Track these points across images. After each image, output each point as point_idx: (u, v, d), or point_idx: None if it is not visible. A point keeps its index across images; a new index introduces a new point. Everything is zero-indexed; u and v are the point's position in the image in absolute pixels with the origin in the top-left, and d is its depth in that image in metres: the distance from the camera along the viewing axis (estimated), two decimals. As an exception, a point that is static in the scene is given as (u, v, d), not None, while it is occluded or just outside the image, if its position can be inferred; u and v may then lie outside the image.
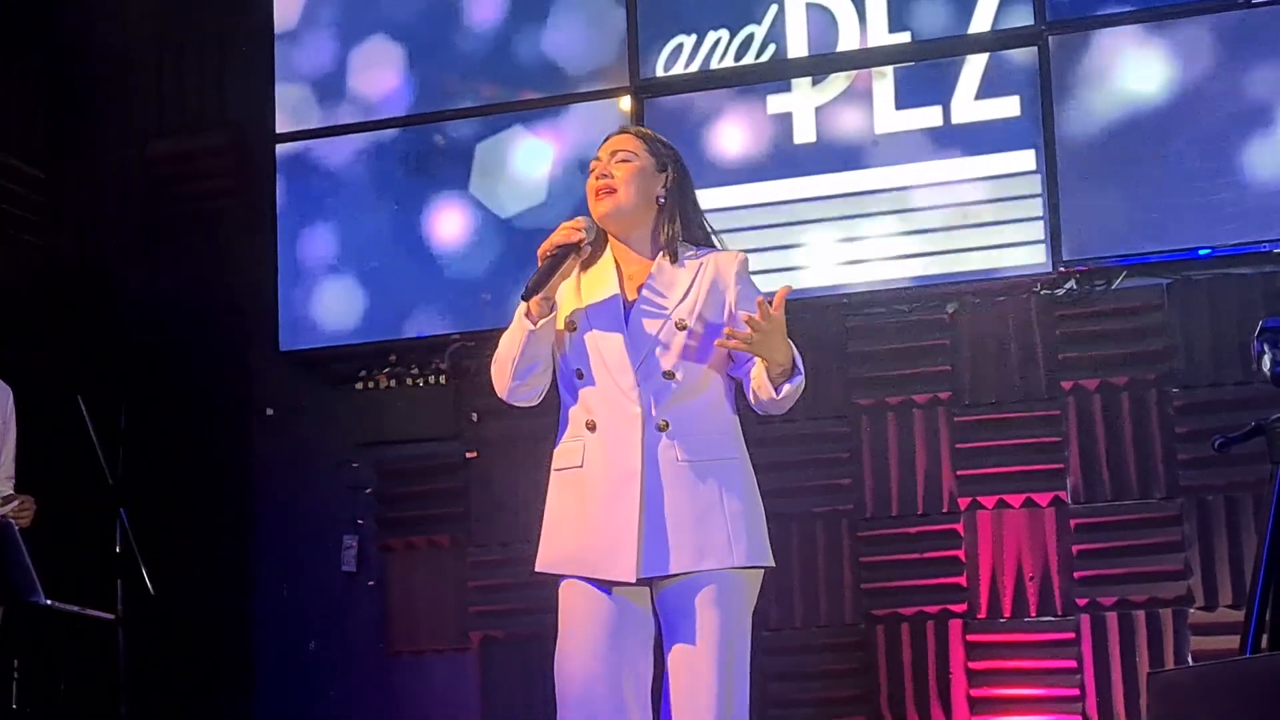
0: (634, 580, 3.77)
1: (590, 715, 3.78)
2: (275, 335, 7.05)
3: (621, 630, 3.83)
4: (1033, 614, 6.23)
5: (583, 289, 3.96)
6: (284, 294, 7.05)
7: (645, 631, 3.86)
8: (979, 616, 6.28)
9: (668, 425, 3.82)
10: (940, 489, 6.37)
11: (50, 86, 7.50)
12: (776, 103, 6.62)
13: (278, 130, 7.18)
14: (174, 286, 7.31)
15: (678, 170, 4.04)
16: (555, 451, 3.97)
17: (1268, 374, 3.88)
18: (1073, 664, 6.16)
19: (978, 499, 6.32)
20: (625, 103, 6.76)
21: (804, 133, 6.57)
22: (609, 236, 4.02)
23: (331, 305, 7.01)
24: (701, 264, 3.93)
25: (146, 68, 7.55)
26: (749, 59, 6.67)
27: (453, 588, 6.87)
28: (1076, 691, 6.14)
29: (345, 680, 6.98)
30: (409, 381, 6.96)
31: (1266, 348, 3.86)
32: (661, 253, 3.95)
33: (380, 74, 7.11)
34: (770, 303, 3.70)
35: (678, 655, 3.80)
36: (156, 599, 6.15)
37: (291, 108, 7.18)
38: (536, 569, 3.95)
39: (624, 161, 3.97)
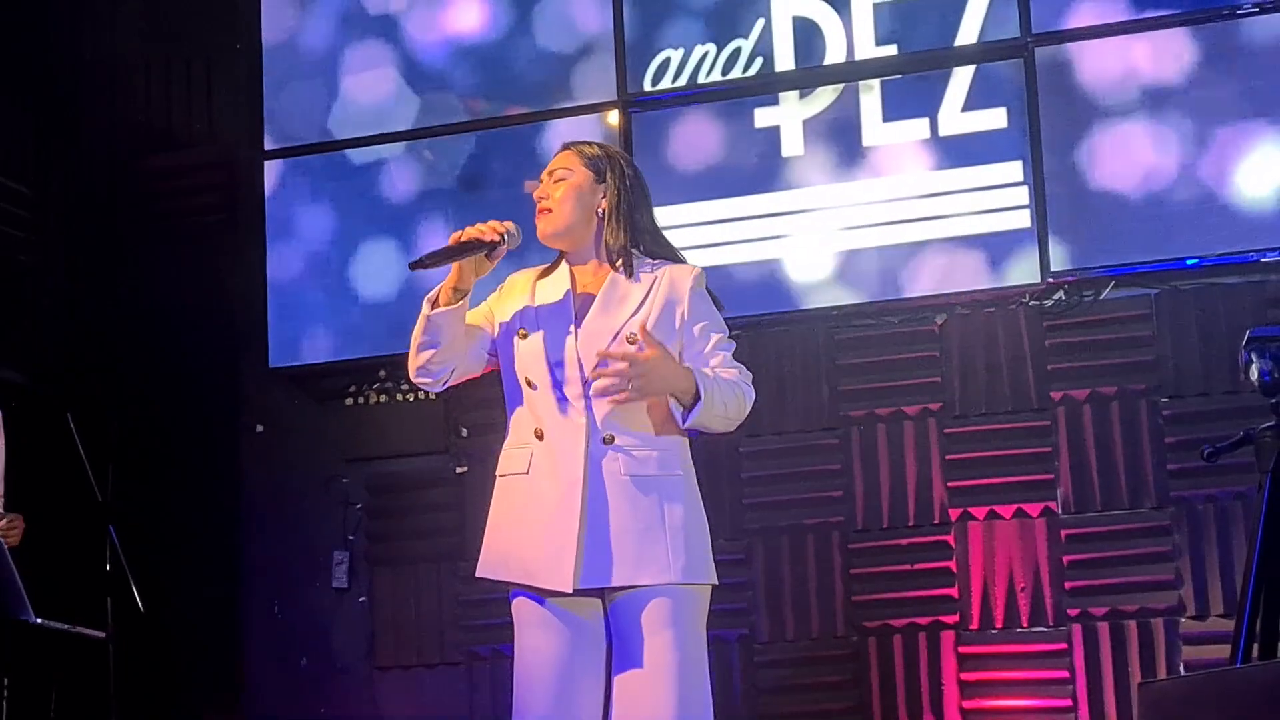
0: (570, 590, 3.79)
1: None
2: (265, 352, 7.04)
3: (575, 648, 3.84)
4: (1024, 625, 6.23)
5: (537, 298, 3.99)
6: (273, 310, 7.05)
7: (598, 648, 3.87)
8: (971, 628, 6.28)
9: (613, 439, 3.83)
10: (931, 500, 6.37)
11: (37, 102, 7.49)
12: (764, 116, 6.63)
13: (267, 146, 7.18)
14: (163, 303, 7.29)
15: (621, 180, 4.02)
16: (501, 457, 4.00)
17: (1256, 383, 3.88)
18: (1065, 674, 6.16)
19: (968, 510, 6.33)
20: (613, 117, 6.77)
21: (792, 146, 6.58)
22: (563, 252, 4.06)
23: (321, 321, 7.00)
24: (656, 278, 3.94)
25: (134, 84, 7.54)
26: (736, 73, 6.68)
27: (443, 603, 6.86)
28: (1069, 702, 6.14)
29: (335, 696, 6.96)
30: (399, 397, 6.96)
31: (1255, 357, 3.87)
32: (615, 265, 3.96)
33: (368, 91, 7.10)
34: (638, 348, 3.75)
35: (629, 677, 3.80)
36: (146, 616, 6.13)
37: (280, 124, 7.18)
38: (477, 574, 3.99)
39: (559, 180, 4.01)
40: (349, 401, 7.03)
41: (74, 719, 6.47)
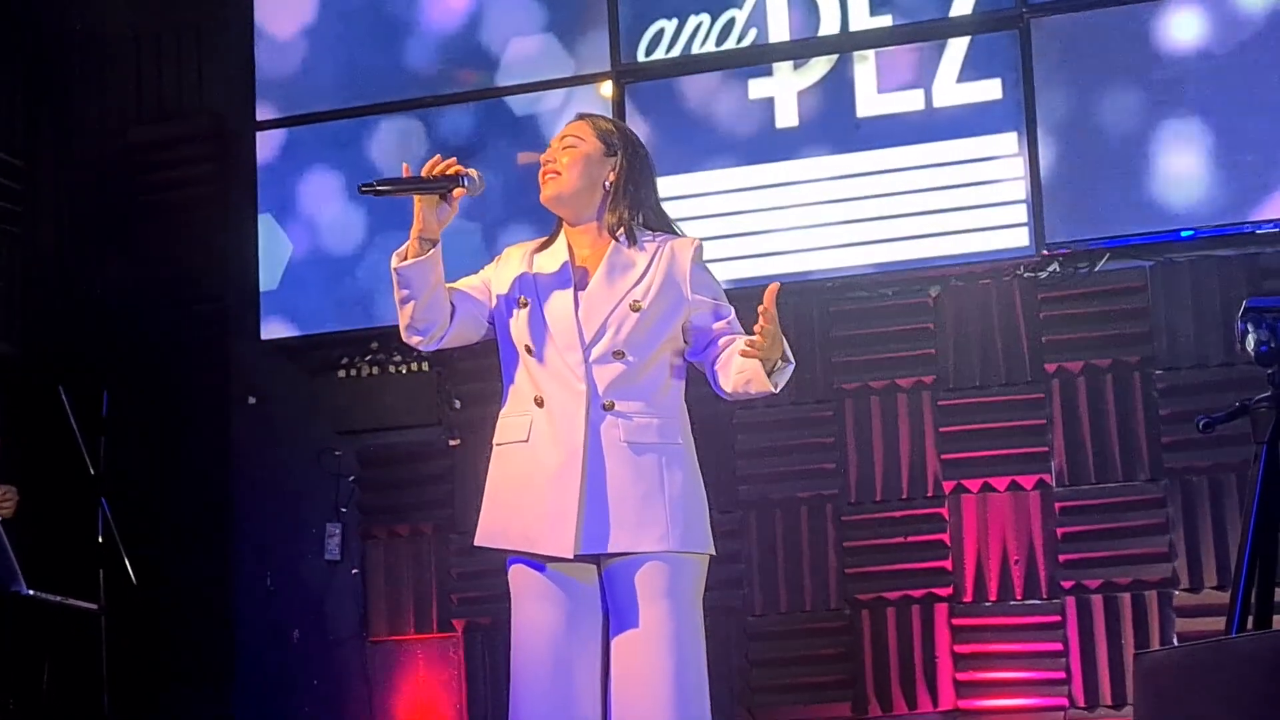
0: (571, 556, 3.80)
1: (541, 705, 3.81)
2: (256, 324, 7.02)
3: (572, 616, 3.86)
4: (1018, 597, 6.23)
5: (535, 268, 4.00)
6: (265, 282, 7.03)
7: (595, 615, 3.88)
8: (964, 600, 6.28)
9: (613, 405, 3.85)
10: (925, 473, 6.37)
11: (28, 74, 7.46)
12: (758, 87, 6.61)
13: (258, 117, 7.15)
14: (155, 275, 7.28)
15: (630, 156, 4.04)
16: (498, 425, 4.00)
17: (1252, 353, 3.87)
18: (1058, 646, 6.16)
19: (962, 482, 6.32)
20: (607, 88, 6.74)
21: (786, 117, 6.56)
22: (562, 221, 4.06)
23: (313, 293, 6.98)
24: (659, 248, 3.96)
25: (125, 55, 7.51)
26: (730, 43, 6.65)
27: (436, 575, 6.86)
28: (1062, 674, 6.15)
29: (328, 668, 6.97)
30: (391, 369, 6.94)
31: (1251, 327, 3.85)
32: (617, 235, 3.97)
33: (360, 61, 7.07)
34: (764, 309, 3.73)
35: (626, 644, 3.82)
36: (139, 588, 6.13)
37: (272, 94, 7.15)
38: (476, 543, 3.99)
39: (569, 147, 4.02)
40: (341, 374, 7.01)
41: (66, 690, 6.47)
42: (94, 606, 6.11)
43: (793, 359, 3.84)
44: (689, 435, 3.97)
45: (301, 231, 7.04)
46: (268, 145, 7.13)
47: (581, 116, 4.13)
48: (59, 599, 5.82)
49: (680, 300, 3.94)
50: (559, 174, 3.99)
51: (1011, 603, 6.24)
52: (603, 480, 3.82)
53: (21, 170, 7.37)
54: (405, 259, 3.87)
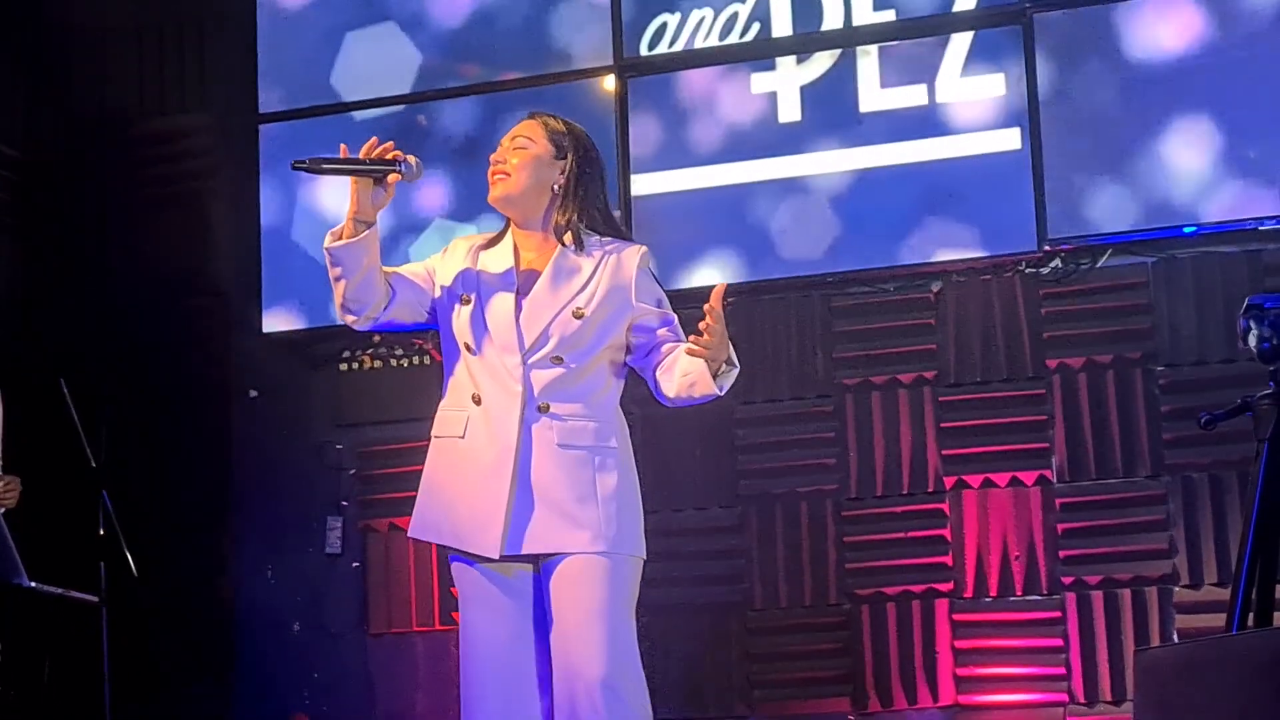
0: (497, 556, 3.82)
1: (490, 705, 3.85)
2: (258, 317, 7.02)
3: (510, 616, 3.88)
4: (1018, 593, 6.23)
5: (480, 265, 4.00)
6: (267, 275, 7.03)
7: (534, 614, 3.90)
8: (964, 596, 6.28)
9: (549, 407, 3.86)
10: (925, 468, 6.37)
11: (28, 66, 7.45)
12: (761, 81, 6.60)
13: (261, 110, 7.15)
14: (156, 268, 7.27)
15: (580, 159, 4.03)
16: (437, 418, 4.02)
17: (1254, 350, 3.87)
18: (1058, 642, 6.17)
19: (963, 478, 6.32)
20: (609, 82, 6.74)
21: (789, 111, 6.55)
22: (509, 222, 4.06)
23: (314, 286, 6.97)
24: (605, 254, 3.96)
25: (127, 48, 7.50)
26: (733, 38, 6.65)
27: (436, 568, 6.85)
28: (1062, 670, 6.15)
29: (328, 661, 6.97)
30: (393, 362, 6.95)
31: (1253, 324, 3.85)
32: (565, 239, 3.97)
33: (362, 54, 7.07)
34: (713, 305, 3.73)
35: (562, 644, 3.82)
36: (140, 581, 6.13)
37: (274, 87, 7.15)
38: (409, 535, 4.04)
39: (520, 148, 4.01)
40: (343, 367, 7.02)
41: (67, 682, 6.47)
42: (94, 599, 6.10)
43: (737, 363, 3.84)
44: (626, 439, 3.98)
45: (303, 225, 7.03)
46: (270, 138, 7.12)
47: (533, 115, 4.10)
48: (59, 591, 5.82)
49: (625, 307, 3.94)
50: (508, 175, 3.98)
51: (1012, 598, 6.24)
52: (535, 481, 3.84)
53: (21, 162, 7.36)
54: (339, 239, 3.87)
